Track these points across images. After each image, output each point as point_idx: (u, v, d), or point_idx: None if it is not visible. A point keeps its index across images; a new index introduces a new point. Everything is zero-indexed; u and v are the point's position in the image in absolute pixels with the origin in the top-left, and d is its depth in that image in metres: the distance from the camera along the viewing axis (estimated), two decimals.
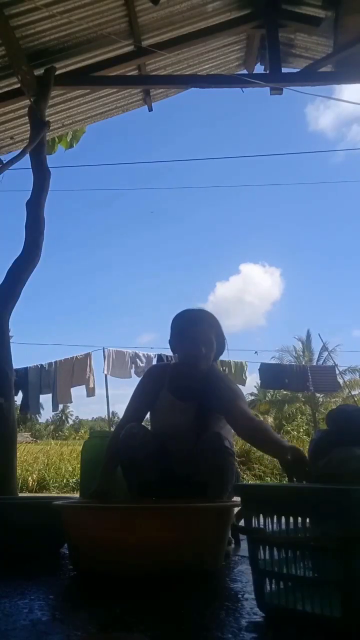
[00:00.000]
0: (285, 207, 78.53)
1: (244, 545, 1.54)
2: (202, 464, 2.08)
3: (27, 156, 4.32)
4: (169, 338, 2.36)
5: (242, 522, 1.40)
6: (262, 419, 24.42)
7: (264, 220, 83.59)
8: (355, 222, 73.06)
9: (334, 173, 75.60)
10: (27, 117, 4.58)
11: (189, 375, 2.28)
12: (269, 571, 1.29)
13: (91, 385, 10.18)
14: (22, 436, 23.67)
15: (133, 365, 10.38)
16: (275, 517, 1.30)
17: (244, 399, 2.40)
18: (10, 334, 4.11)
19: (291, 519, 1.26)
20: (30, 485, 10.23)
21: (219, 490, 2.03)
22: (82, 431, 36.59)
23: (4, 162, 4.43)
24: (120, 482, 2.24)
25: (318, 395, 22.72)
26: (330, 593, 1.16)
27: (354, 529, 1.13)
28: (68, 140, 5.78)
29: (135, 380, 2.93)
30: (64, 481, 10.62)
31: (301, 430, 23.04)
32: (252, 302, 75.81)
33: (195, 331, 2.25)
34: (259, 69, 5.48)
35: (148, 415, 2.41)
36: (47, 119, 4.53)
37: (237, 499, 1.60)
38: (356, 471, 1.89)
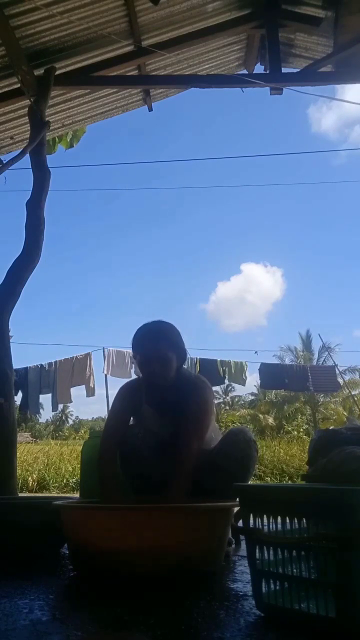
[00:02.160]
0: (288, 208, 78.55)
1: (244, 545, 1.54)
2: (230, 453, 2.13)
3: (27, 156, 4.32)
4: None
5: (240, 523, 1.40)
6: (262, 418, 24.45)
7: (266, 220, 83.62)
8: (357, 223, 73.09)
9: (336, 174, 75.71)
10: (27, 117, 4.58)
11: (157, 391, 2.27)
12: (267, 571, 1.30)
13: (91, 385, 10.19)
14: (22, 436, 23.70)
15: (133, 365, 10.37)
16: (272, 517, 1.30)
17: (203, 415, 2.20)
18: (10, 334, 4.11)
19: (289, 519, 1.27)
20: (30, 485, 10.23)
21: (241, 480, 2.08)
22: (82, 431, 36.61)
23: (4, 162, 4.43)
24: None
25: (318, 395, 22.72)
26: (326, 593, 1.16)
27: (351, 530, 1.13)
28: (68, 140, 5.78)
29: None
30: (64, 481, 10.63)
31: (301, 430, 23.09)
32: (254, 302, 75.81)
33: (146, 352, 2.23)
34: (259, 69, 5.48)
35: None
36: (47, 119, 4.53)
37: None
38: (356, 471, 1.89)
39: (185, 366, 2.39)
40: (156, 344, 2.21)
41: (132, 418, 2.37)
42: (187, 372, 2.37)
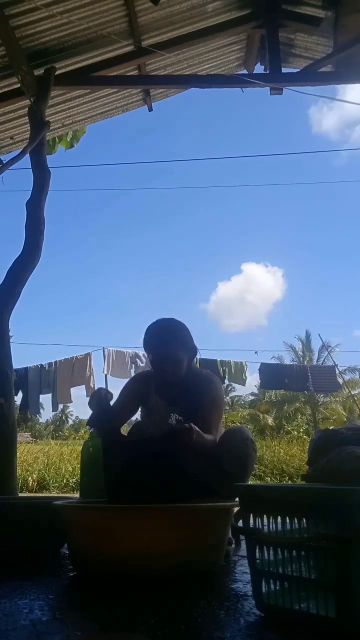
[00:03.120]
0: (289, 208, 78.35)
1: (244, 545, 1.54)
2: (228, 452, 2.14)
3: (27, 156, 4.32)
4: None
5: (240, 523, 1.40)
6: (262, 418, 24.44)
7: (267, 220, 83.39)
8: (358, 223, 73.01)
9: (337, 175, 75.53)
10: (27, 117, 4.58)
11: (168, 386, 2.31)
12: (267, 571, 1.30)
13: (91, 385, 10.18)
14: (22, 436, 23.70)
15: (133, 365, 10.38)
16: (273, 517, 1.30)
17: (216, 407, 2.28)
18: (10, 334, 4.11)
19: (289, 519, 1.26)
20: (30, 485, 10.24)
21: (240, 479, 2.09)
22: (82, 431, 36.58)
23: (4, 162, 4.43)
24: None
25: (318, 395, 22.72)
26: (326, 593, 1.16)
27: (351, 530, 1.13)
28: (68, 140, 5.78)
29: None
30: (64, 481, 10.64)
31: (301, 430, 23.08)
32: (254, 302, 75.63)
33: (158, 351, 2.28)
34: (259, 69, 5.49)
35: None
36: (47, 119, 4.54)
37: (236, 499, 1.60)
38: (356, 471, 1.90)
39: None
40: (167, 344, 2.26)
41: (140, 408, 2.42)
42: (197, 368, 2.43)
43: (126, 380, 2.55)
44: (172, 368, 2.26)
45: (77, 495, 6.66)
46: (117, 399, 2.40)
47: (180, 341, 2.29)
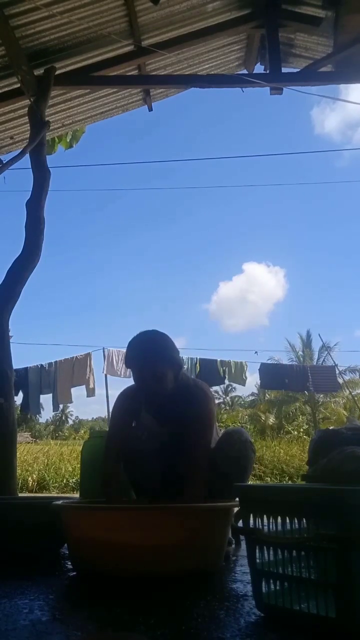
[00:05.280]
0: (290, 208, 78.22)
1: (244, 545, 1.54)
2: (227, 454, 2.13)
3: (27, 156, 4.32)
4: None
5: (240, 523, 1.40)
6: (262, 418, 24.44)
7: (268, 220, 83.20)
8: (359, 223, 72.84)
9: (339, 176, 75.47)
10: (27, 117, 4.58)
11: (154, 402, 2.24)
12: (267, 571, 1.30)
13: (91, 385, 10.19)
14: (22, 436, 23.69)
15: None
16: (273, 517, 1.30)
17: (205, 427, 2.17)
18: (10, 334, 4.11)
19: (289, 519, 1.26)
20: (30, 485, 10.23)
21: (239, 481, 2.08)
22: (82, 431, 36.62)
23: (4, 162, 4.43)
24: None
25: (318, 395, 22.72)
26: (326, 593, 1.16)
27: (351, 530, 1.13)
28: (68, 140, 5.78)
29: None
30: (64, 481, 10.63)
31: (301, 430, 23.07)
32: (255, 302, 75.41)
33: (139, 370, 2.18)
34: (259, 68, 5.49)
35: None
36: (47, 119, 4.54)
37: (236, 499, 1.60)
38: (356, 471, 1.90)
39: (185, 366, 2.38)
40: (148, 361, 2.14)
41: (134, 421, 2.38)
42: (186, 379, 2.30)
43: (126, 380, 2.54)
44: (155, 384, 2.15)
45: (77, 495, 6.66)
46: (112, 419, 2.39)
47: (161, 357, 2.16)
